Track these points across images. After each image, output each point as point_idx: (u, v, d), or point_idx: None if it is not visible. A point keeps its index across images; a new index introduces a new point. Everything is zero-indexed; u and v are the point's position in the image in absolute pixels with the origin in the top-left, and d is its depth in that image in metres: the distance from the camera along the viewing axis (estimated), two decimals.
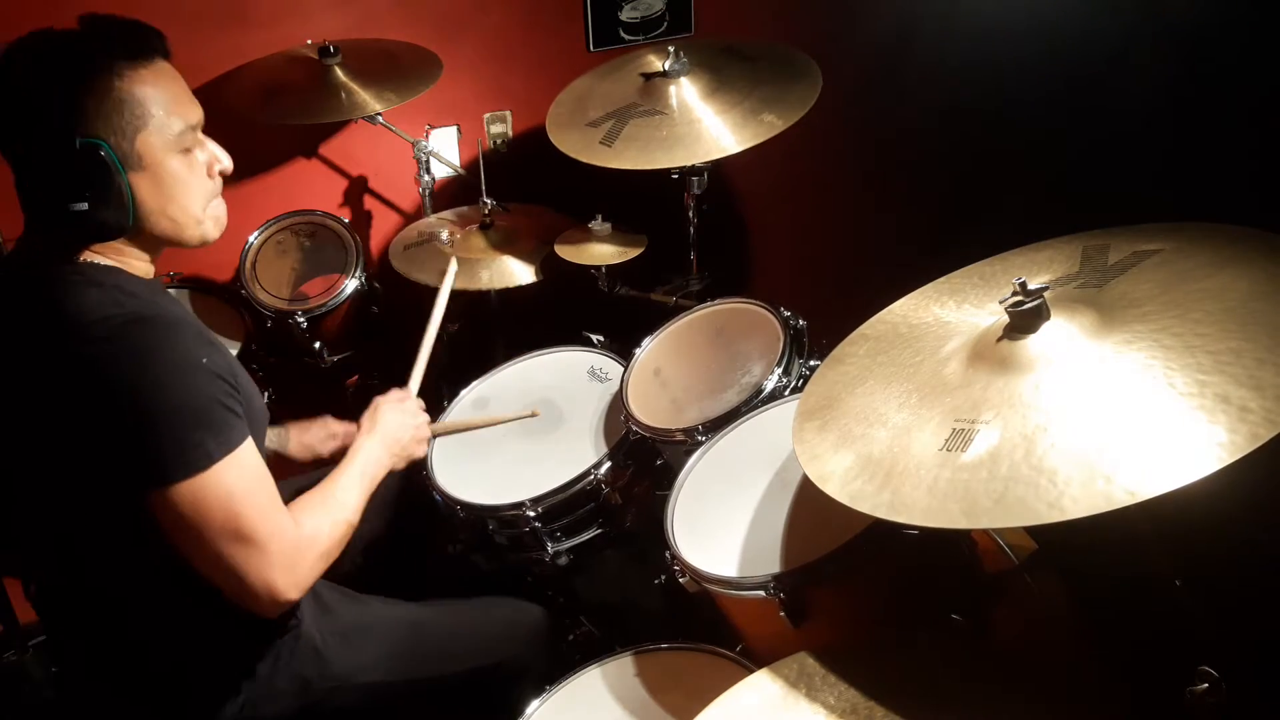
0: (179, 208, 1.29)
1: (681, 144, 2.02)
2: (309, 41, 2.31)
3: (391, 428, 1.61)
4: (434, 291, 1.97)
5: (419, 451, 1.68)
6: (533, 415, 1.98)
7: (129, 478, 1.19)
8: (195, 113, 1.30)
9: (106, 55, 1.21)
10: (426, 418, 1.73)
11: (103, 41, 1.23)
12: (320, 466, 1.77)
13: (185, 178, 1.29)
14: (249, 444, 1.25)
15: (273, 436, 1.80)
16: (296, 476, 1.80)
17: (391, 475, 1.92)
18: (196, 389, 1.20)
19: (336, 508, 1.39)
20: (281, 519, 1.27)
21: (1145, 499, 0.93)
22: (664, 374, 1.93)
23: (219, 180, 1.35)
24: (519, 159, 2.68)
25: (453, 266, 2.04)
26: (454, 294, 2.20)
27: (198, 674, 1.37)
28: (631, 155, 2.03)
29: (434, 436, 2.00)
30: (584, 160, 2.07)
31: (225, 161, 1.34)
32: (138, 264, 1.32)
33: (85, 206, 1.21)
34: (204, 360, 1.21)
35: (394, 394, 1.72)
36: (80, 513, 1.28)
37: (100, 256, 1.28)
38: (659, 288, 2.40)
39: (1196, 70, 2.70)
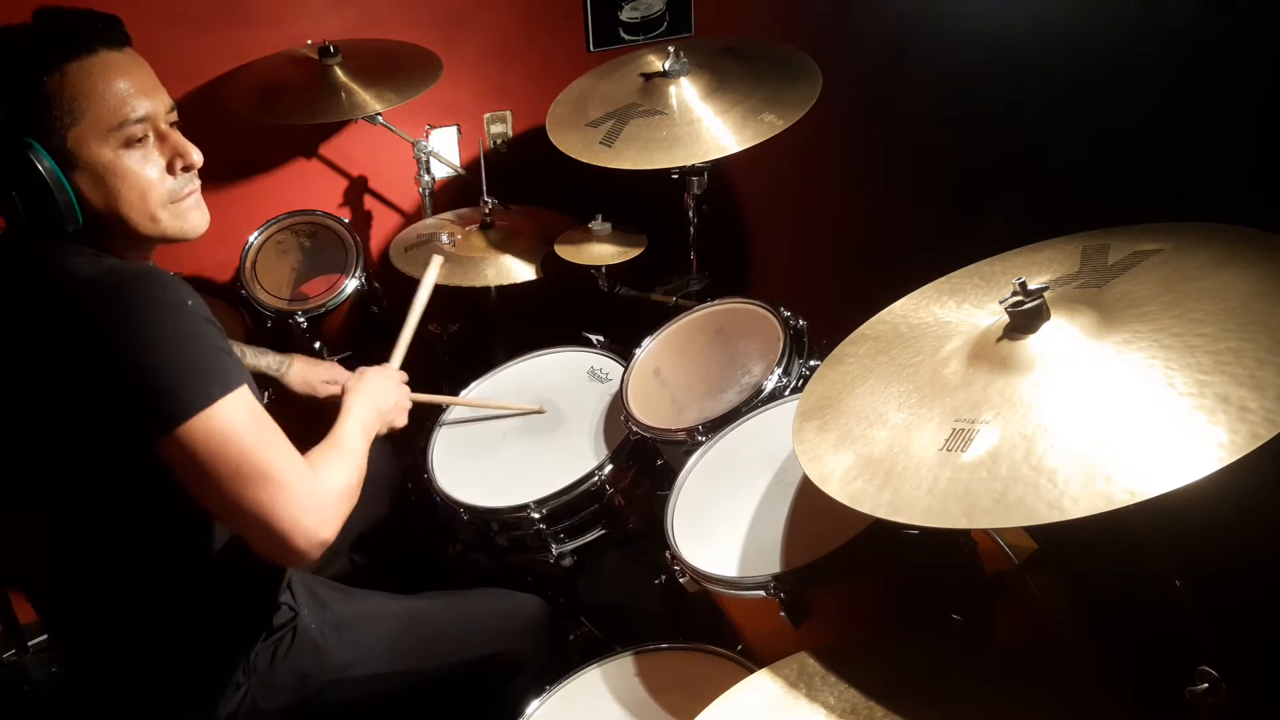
0: (126, 204, 1.24)
1: (681, 144, 2.02)
2: (309, 41, 2.31)
3: (378, 392, 1.60)
4: (436, 291, 1.96)
5: (400, 420, 1.66)
6: (539, 411, 1.98)
7: (134, 429, 1.16)
8: (146, 104, 1.23)
9: (31, 52, 1.18)
10: (408, 389, 1.72)
11: (32, 40, 1.19)
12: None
13: (129, 173, 1.23)
14: (247, 389, 1.22)
15: (274, 362, 1.82)
16: None
17: (391, 474, 1.93)
18: (187, 334, 1.18)
19: (348, 454, 1.38)
20: (296, 459, 1.24)
21: (1145, 499, 0.93)
22: (664, 374, 1.93)
23: (186, 177, 1.29)
24: (519, 159, 2.68)
25: (436, 258, 2.00)
26: (454, 293, 2.20)
27: (197, 669, 1.37)
28: (631, 155, 2.03)
29: (445, 407, 2.00)
30: (584, 160, 2.07)
31: (193, 156, 1.28)
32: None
33: (21, 205, 1.19)
34: (189, 303, 1.19)
35: (374, 368, 1.70)
36: (82, 499, 1.27)
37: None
38: (659, 288, 2.40)
39: (1196, 70, 2.70)
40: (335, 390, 1.81)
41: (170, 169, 1.27)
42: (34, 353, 1.20)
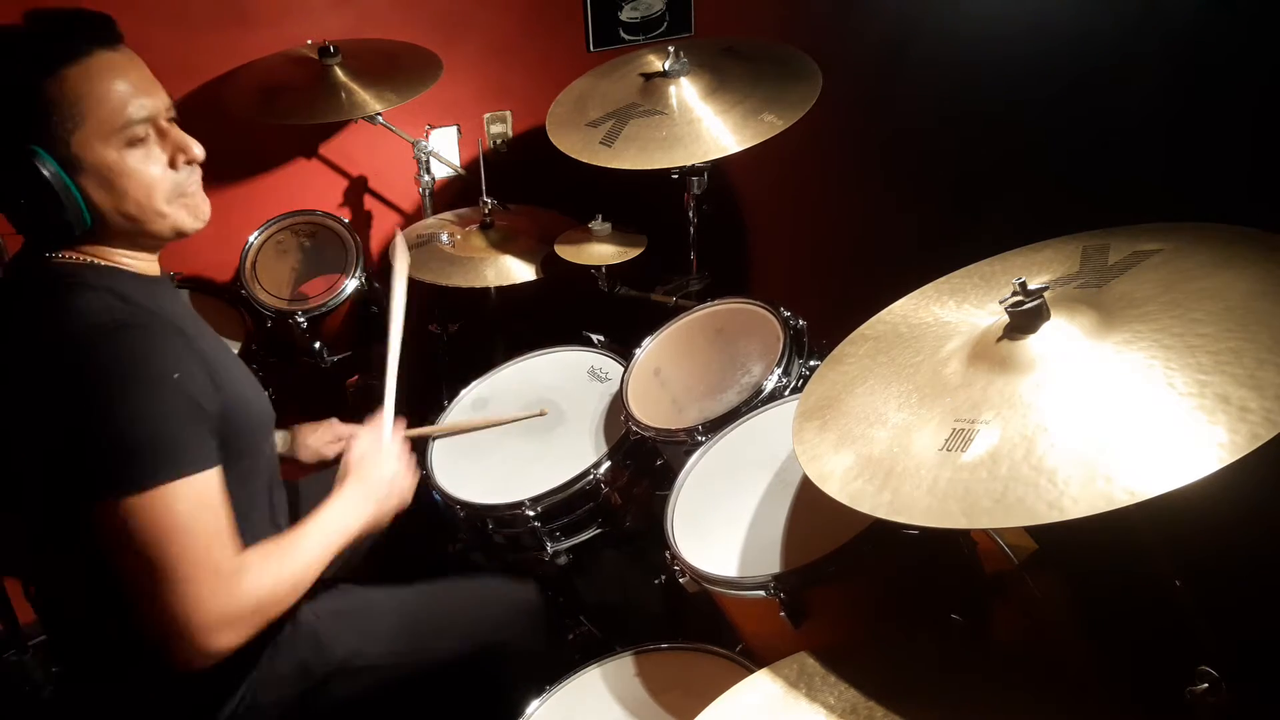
0: (134, 203, 1.24)
1: (681, 144, 2.02)
2: (309, 41, 2.31)
3: (375, 485, 1.48)
4: (436, 291, 1.94)
5: (403, 504, 1.53)
6: (540, 414, 1.97)
7: (78, 485, 1.16)
8: (146, 104, 1.23)
9: (29, 61, 1.17)
10: (409, 466, 1.57)
11: (27, 45, 1.19)
12: (326, 467, 1.77)
13: (135, 172, 1.23)
14: (207, 475, 1.20)
15: (279, 439, 1.79)
16: (306, 477, 1.80)
17: None
18: (159, 408, 1.17)
19: (296, 564, 1.31)
20: (221, 562, 1.19)
21: (1145, 499, 0.93)
22: (664, 374, 1.93)
23: (188, 170, 1.29)
24: (519, 159, 2.68)
25: (402, 263, 1.85)
26: (454, 293, 2.20)
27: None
28: (631, 155, 2.03)
29: (433, 439, 1.99)
30: (584, 160, 2.07)
31: (194, 150, 1.29)
32: (134, 263, 1.31)
33: (30, 213, 1.20)
34: (175, 376, 1.18)
35: (368, 436, 1.56)
36: (68, 509, 1.27)
37: (95, 258, 1.27)
38: (659, 288, 2.40)
39: (1197, 70, 2.70)
40: (341, 448, 1.75)
41: (173, 164, 1.28)
42: (26, 391, 1.21)
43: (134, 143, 1.24)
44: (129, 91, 1.22)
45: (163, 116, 1.27)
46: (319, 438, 1.83)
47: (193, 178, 1.31)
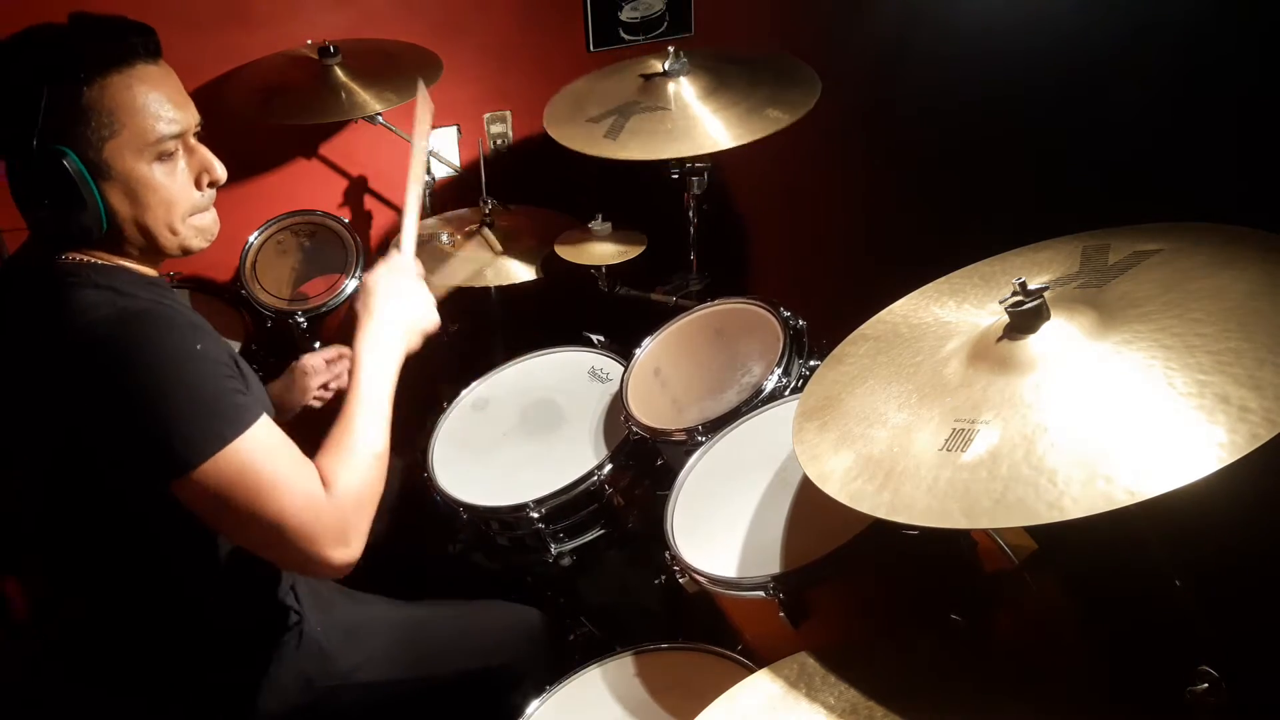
0: (153, 217, 1.25)
1: (688, 136, 2.00)
2: (309, 41, 2.32)
3: (391, 310, 1.46)
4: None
5: (431, 321, 1.51)
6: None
7: (145, 473, 1.18)
8: (180, 119, 1.25)
9: (74, 64, 1.18)
10: (423, 281, 1.55)
11: (73, 49, 1.19)
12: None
13: (160, 187, 1.25)
14: (263, 421, 1.22)
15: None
16: None
17: (390, 476, 1.92)
18: (199, 376, 1.19)
19: (360, 447, 1.31)
20: (309, 487, 1.23)
21: (1145, 499, 0.93)
22: (664, 374, 1.93)
23: (209, 192, 1.31)
24: (519, 159, 2.68)
25: (423, 96, 1.77)
26: (454, 293, 2.20)
27: (200, 672, 1.37)
28: (637, 146, 2.01)
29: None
30: (589, 152, 2.04)
31: (217, 172, 1.30)
32: (137, 266, 1.31)
33: (49, 213, 1.20)
34: (198, 347, 1.20)
35: (381, 266, 1.52)
36: (85, 513, 1.28)
37: (99, 259, 1.27)
38: (659, 288, 2.40)
39: (1196, 70, 2.70)
40: (326, 377, 1.79)
41: (197, 183, 1.29)
42: (43, 390, 1.21)
43: (163, 157, 1.25)
44: (165, 106, 1.23)
45: (191, 133, 1.28)
46: (298, 385, 1.79)
47: (211, 200, 1.32)
